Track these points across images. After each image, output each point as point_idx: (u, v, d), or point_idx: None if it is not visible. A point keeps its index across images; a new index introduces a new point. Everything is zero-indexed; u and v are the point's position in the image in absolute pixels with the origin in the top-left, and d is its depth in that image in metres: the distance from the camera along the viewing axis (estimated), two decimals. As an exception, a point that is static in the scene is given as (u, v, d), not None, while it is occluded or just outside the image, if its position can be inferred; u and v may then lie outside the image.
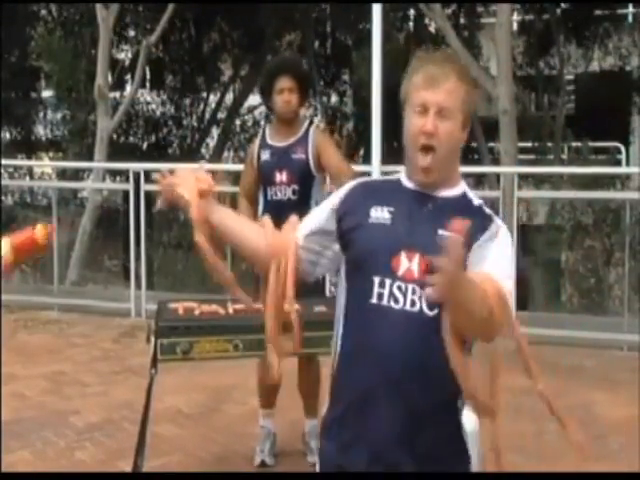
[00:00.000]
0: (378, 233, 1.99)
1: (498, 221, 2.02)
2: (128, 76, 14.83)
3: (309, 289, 2.51)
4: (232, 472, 4.08)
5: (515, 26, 13.86)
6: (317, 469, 2.09)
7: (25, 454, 4.37)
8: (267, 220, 2.12)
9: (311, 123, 4.32)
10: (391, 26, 12.92)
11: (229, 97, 15.97)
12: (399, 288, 1.93)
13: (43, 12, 15.04)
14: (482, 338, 1.87)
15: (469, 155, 12.92)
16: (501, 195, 6.75)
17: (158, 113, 15.56)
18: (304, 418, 4.28)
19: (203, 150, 15.66)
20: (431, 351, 1.87)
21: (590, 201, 9.85)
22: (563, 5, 13.72)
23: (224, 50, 15.44)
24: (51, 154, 16.22)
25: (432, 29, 14.12)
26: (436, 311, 1.88)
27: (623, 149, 15.46)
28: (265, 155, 4.20)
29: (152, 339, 3.50)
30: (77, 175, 12.29)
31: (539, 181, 11.52)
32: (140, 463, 3.57)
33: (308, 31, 15.05)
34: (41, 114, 16.21)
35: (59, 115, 15.25)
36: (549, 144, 13.61)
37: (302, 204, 3.90)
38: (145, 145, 15.27)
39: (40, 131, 16.34)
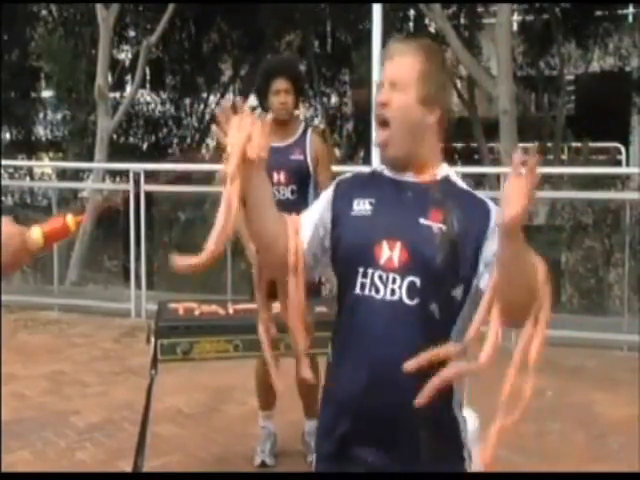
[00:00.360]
0: (360, 225, 1.99)
1: (490, 203, 2.02)
2: (128, 76, 14.83)
3: (308, 290, 2.52)
4: (232, 472, 4.08)
5: (515, 26, 13.88)
6: (313, 467, 2.09)
7: (25, 454, 4.37)
8: (295, 219, 2.06)
9: (307, 127, 4.36)
10: (391, 26, 12.88)
11: (229, 97, 15.97)
12: (380, 278, 1.93)
13: (43, 12, 15.06)
14: (517, 314, 1.81)
15: (469, 155, 12.93)
16: (501, 195, 6.73)
17: (158, 113, 15.57)
18: (304, 418, 4.28)
19: (203, 150, 15.67)
20: (412, 340, 1.87)
21: (590, 201, 9.83)
22: (563, 5, 13.70)
23: (224, 50, 15.46)
24: (51, 154, 16.23)
25: (432, 29, 14.11)
26: (416, 301, 1.89)
27: (623, 149, 15.47)
28: None
29: (152, 339, 3.50)
30: (77, 175, 12.29)
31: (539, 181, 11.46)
32: (140, 463, 3.57)
33: (308, 31, 15.05)
34: (41, 114, 16.22)
35: (59, 115, 15.26)
36: (549, 144, 13.60)
37: (300, 203, 3.91)
38: (145, 145, 15.27)
39: (40, 131, 16.35)
